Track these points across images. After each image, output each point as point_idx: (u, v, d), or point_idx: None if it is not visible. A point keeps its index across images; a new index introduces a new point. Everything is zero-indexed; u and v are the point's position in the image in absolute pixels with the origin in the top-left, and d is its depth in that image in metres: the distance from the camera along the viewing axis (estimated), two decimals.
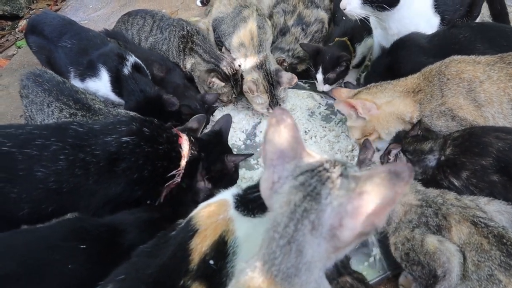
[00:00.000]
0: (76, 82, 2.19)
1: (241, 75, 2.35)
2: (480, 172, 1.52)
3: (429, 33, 2.09)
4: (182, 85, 2.27)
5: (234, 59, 2.33)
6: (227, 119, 1.91)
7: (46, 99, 1.78)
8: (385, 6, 1.93)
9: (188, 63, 2.34)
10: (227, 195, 1.31)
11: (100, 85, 2.16)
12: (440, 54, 1.87)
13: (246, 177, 2.08)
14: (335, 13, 2.70)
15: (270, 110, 2.28)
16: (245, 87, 2.21)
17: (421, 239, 1.37)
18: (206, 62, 2.31)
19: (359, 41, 2.50)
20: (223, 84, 2.26)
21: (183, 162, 1.63)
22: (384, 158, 1.78)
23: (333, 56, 2.32)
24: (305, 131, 2.32)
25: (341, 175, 0.83)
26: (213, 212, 1.24)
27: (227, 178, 1.76)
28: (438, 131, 1.81)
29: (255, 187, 1.34)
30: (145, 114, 1.77)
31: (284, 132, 0.90)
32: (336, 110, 2.44)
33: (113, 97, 2.17)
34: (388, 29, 2.12)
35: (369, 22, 2.28)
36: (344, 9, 1.99)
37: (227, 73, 2.28)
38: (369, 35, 2.52)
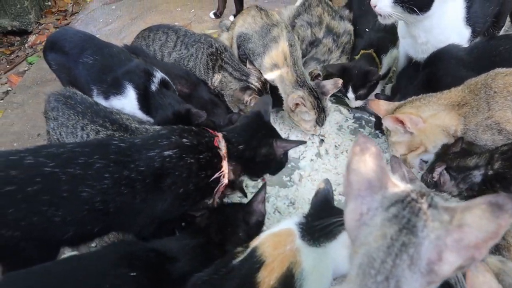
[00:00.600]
0: (99, 100, 2.12)
1: (270, 86, 2.32)
2: None
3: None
4: (209, 100, 2.22)
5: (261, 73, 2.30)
6: (266, 101, 1.81)
7: (80, 122, 1.71)
8: (415, 9, 1.89)
9: (217, 81, 2.28)
10: (290, 224, 1.27)
11: (126, 102, 2.09)
12: (480, 67, 1.84)
13: (281, 195, 2.02)
14: (356, 25, 2.67)
15: (318, 127, 2.24)
16: (290, 106, 2.14)
17: None
18: (238, 80, 2.26)
19: (385, 52, 2.48)
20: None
21: (224, 164, 1.57)
22: (428, 176, 1.75)
23: (361, 72, 2.29)
24: (336, 146, 2.28)
25: (430, 205, 0.80)
26: (280, 243, 1.20)
27: (276, 165, 1.71)
28: (483, 145, 1.77)
29: (316, 215, 1.30)
30: None
31: (369, 161, 0.86)
32: (364, 123, 2.42)
33: (140, 114, 2.10)
34: (417, 37, 2.09)
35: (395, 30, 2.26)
36: (374, 7, 1.96)
37: (260, 88, 2.23)
38: (394, 46, 2.50)
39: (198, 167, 1.49)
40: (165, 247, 1.38)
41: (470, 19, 2.10)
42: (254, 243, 1.23)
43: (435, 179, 1.71)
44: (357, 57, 2.45)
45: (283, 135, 2.36)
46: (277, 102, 2.31)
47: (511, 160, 1.55)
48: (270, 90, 2.32)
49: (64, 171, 1.31)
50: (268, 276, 1.11)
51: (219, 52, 2.32)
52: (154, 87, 2.05)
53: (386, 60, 2.49)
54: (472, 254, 0.73)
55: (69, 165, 1.33)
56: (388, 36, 2.46)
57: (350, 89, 2.32)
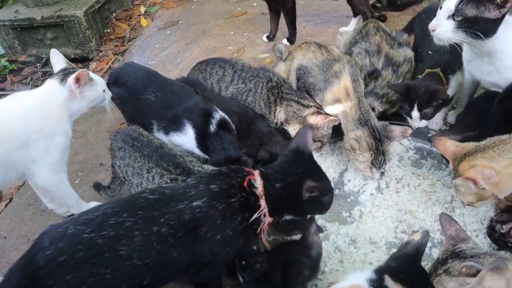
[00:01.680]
0: (159, 135, 2.19)
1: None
2: None
3: None
4: (268, 132, 2.22)
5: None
6: (305, 133, 1.63)
7: (146, 165, 1.77)
8: (480, 34, 1.80)
9: (282, 113, 2.29)
10: (361, 280, 1.24)
11: (185, 139, 2.14)
12: None
13: (342, 232, 1.98)
14: (418, 48, 2.59)
15: (374, 170, 2.17)
16: (347, 145, 2.11)
17: None
18: (306, 107, 2.25)
19: (452, 73, 2.37)
20: (336, 122, 2.19)
21: (262, 202, 1.50)
22: (498, 227, 1.68)
23: (428, 90, 2.21)
24: (397, 179, 2.20)
25: None
26: None
27: (319, 205, 1.59)
28: None
29: (396, 270, 1.26)
30: None
31: None
32: (426, 154, 2.34)
33: (198, 152, 2.15)
34: (481, 59, 1.99)
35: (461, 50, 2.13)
36: (433, 31, 1.88)
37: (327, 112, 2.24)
38: (460, 69, 2.38)
39: (232, 211, 1.45)
40: None
41: None
42: None
43: (503, 231, 1.64)
44: (421, 76, 2.34)
45: (342, 167, 2.32)
46: (336, 132, 2.30)
47: None
48: None
49: (99, 235, 1.34)
50: None
51: (279, 85, 2.33)
52: (212, 128, 2.07)
53: (454, 81, 2.39)
54: None
55: (102, 228, 1.35)
56: (455, 59, 2.33)
57: (415, 107, 2.24)
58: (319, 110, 2.25)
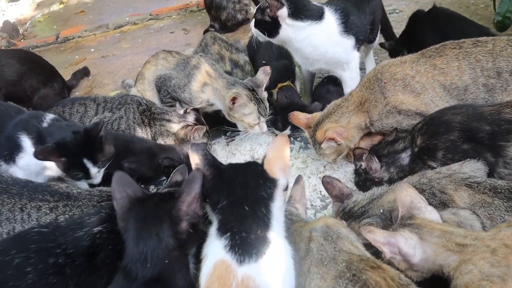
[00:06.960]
0: (8, 168, 1.96)
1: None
2: (452, 146, 1.68)
3: None
4: (153, 145, 2.22)
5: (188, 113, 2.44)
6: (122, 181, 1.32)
7: (18, 204, 1.60)
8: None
9: (157, 134, 2.36)
10: (216, 254, 1.13)
11: (29, 158, 1.87)
12: None
13: None
14: (254, 61, 2.86)
15: (261, 119, 2.36)
16: (229, 105, 2.27)
17: None
18: (176, 123, 2.36)
19: (293, 75, 2.70)
20: (203, 133, 2.32)
21: None
22: (358, 167, 1.95)
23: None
24: None
25: None
26: (223, 282, 1.07)
27: None
28: (390, 128, 2.00)
29: (227, 227, 1.17)
30: None
31: None
32: (293, 139, 2.59)
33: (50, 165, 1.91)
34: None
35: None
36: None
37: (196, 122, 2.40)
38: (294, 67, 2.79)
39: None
40: None
41: None
42: None
43: (364, 167, 1.90)
44: (275, 91, 2.57)
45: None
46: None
47: (428, 132, 1.76)
48: None
49: None
50: None
51: (149, 107, 2.40)
52: (45, 123, 1.93)
53: (298, 80, 2.76)
54: None
55: None
56: (287, 61, 2.72)
57: (288, 127, 2.50)
58: (188, 123, 2.38)
